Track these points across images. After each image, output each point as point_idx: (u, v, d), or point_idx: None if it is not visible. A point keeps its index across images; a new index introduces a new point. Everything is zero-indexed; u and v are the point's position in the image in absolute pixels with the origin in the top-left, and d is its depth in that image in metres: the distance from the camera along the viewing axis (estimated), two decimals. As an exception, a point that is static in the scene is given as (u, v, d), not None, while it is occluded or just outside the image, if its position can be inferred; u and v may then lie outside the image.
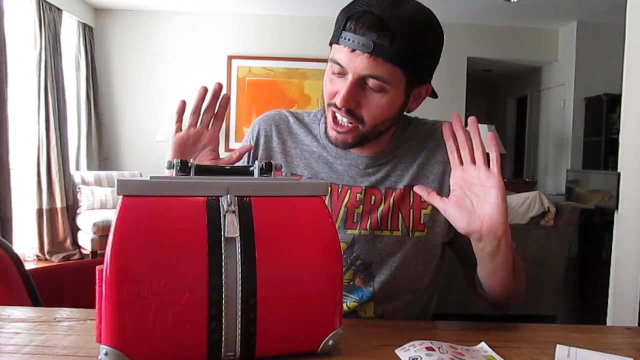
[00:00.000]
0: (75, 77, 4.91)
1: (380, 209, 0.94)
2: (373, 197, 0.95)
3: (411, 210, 0.95)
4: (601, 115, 4.97)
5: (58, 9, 4.50)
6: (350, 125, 0.87)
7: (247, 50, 5.35)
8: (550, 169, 6.01)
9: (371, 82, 0.83)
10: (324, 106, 0.94)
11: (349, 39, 0.81)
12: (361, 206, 0.95)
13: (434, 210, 0.93)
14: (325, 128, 0.95)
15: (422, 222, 0.95)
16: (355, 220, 0.94)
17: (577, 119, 5.32)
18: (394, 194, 0.95)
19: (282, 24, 5.34)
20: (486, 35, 5.50)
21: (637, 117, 1.76)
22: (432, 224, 0.95)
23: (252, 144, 1.03)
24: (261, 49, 5.35)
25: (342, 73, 0.85)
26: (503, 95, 7.61)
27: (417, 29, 0.81)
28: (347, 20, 0.82)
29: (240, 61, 5.34)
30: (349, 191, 0.95)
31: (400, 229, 0.94)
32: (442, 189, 0.95)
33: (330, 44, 0.87)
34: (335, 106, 0.86)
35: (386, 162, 0.97)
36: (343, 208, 0.95)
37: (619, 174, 1.83)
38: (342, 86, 0.84)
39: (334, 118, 0.89)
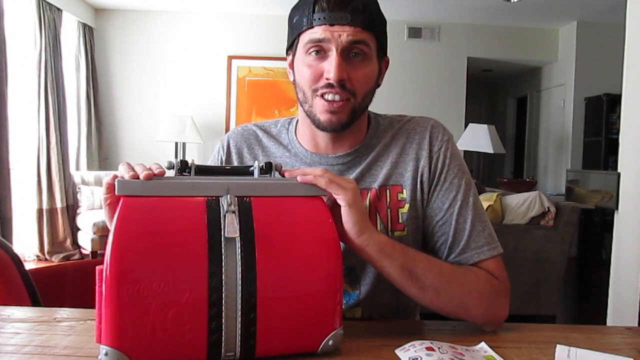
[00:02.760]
0: (75, 77, 4.91)
1: None
2: None
3: (389, 210, 0.93)
4: (601, 115, 4.96)
5: (58, 9, 4.49)
6: (342, 101, 0.87)
7: (247, 50, 5.35)
8: (550, 169, 6.01)
9: (355, 49, 0.86)
10: (297, 92, 0.92)
11: (324, 17, 0.85)
12: None
13: (411, 208, 0.93)
14: (314, 120, 0.91)
15: (400, 221, 0.93)
16: None
17: (577, 119, 5.32)
18: (369, 194, 0.93)
19: (282, 24, 5.28)
20: (486, 35, 5.50)
21: (637, 117, 1.76)
22: (410, 222, 0.93)
23: (223, 158, 1.01)
24: (261, 49, 5.35)
25: (323, 51, 0.86)
26: (503, 95, 7.60)
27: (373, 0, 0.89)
28: (314, 3, 0.85)
29: (240, 61, 5.34)
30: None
31: (379, 229, 0.92)
32: (416, 186, 0.93)
33: (295, 38, 0.90)
34: (327, 86, 0.86)
35: (360, 160, 0.95)
36: None
37: (619, 174, 1.83)
38: (327, 64, 0.86)
39: (324, 99, 0.87)
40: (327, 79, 0.85)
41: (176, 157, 5.03)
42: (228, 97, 5.35)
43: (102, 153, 5.16)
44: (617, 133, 1.92)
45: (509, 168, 7.31)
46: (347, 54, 0.86)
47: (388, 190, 0.93)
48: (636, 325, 1.63)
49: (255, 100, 5.36)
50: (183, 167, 0.71)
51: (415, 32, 5.37)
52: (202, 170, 0.73)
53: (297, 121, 1.00)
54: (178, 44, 5.32)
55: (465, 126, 5.22)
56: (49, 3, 4.33)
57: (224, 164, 1.01)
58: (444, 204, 0.92)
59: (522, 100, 6.94)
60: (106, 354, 0.59)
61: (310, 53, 0.87)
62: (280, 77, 5.35)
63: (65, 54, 4.63)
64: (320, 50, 0.86)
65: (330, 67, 0.85)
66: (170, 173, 0.72)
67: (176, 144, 5.01)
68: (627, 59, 1.82)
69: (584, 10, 4.89)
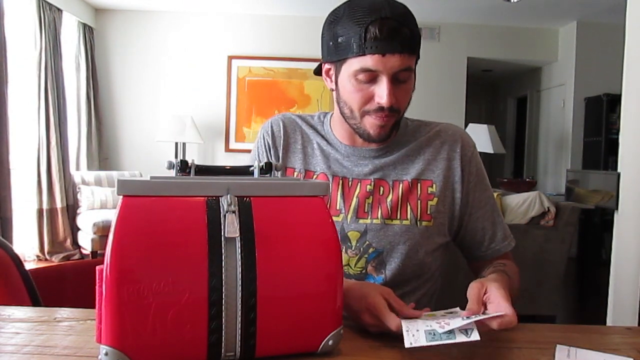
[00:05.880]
0: (75, 77, 4.91)
1: (389, 199, 1.01)
2: (382, 188, 1.02)
3: (419, 202, 1.02)
4: (601, 115, 4.96)
5: (58, 9, 4.49)
6: (388, 117, 0.95)
7: (247, 50, 5.35)
8: (550, 169, 6.01)
9: (402, 75, 0.91)
10: (340, 106, 0.99)
11: (377, 47, 0.88)
12: (371, 197, 1.02)
13: (439, 202, 1.03)
14: (362, 133, 0.99)
15: (428, 212, 1.02)
16: (366, 210, 1.01)
17: (577, 119, 5.32)
18: (401, 185, 1.02)
19: (282, 24, 5.34)
20: (486, 35, 5.50)
21: (637, 117, 1.76)
22: (437, 215, 1.02)
23: (269, 142, 1.08)
24: (261, 49, 5.35)
25: (372, 77, 0.91)
26: (503, 95, 7.60)
27: (412, 18, 0.92)
28: (365, 31, 0.87)
29: (240, 61, 5.34)
30: (359, 184, 1.02)
31: (409, 218, 1.01)
32: (447, 183, 1.03)
33: (341, 59, 0.92)
34: (379, 109, 0.92)
35: (391, 155, 1.03)
36: (355, 199, 1.02)
37: (619, 174, 1.83)
38: (378, 89, 0.91)
39: (375, 118, 0.95)
40: (378, 103, 0.92)
41: (176, 157, 5.03)
42: (228, 97, 5.35)
43: (102, 153, 5.16)
44: (617, 133, 1.92)
45: (509, 168, 7.31)
46: (395, 78, 0.91)
47: (419, 184, 1.02)
48: (636, 325, 1.63)
49: (255, 100, 5.36)
50: (183, 167, 0.71)
51: (415, 32, 5.37)
52: (202, 170, 0.73)
53: (331, 116, 1.09)
54: (178, 44, 5.32)
55: (465, 126, 5.21)
56: (49, 3, 4.33)
57: (270, 148, 1.08)
58: (482, 202, 1.06)
59: (522, 100, 6.94)
60: (106, 354, 0.59)
61: (359, 77, 0.91)
62: (280, 77, 5.35)
63: (65, 54, 4.63)
64: (370, 77, 0.91)
65: (382, 93, 0.91)
66: (171, 173, 0.73)
67: (176, 144, 5.01)
68: (627, 59, 1.81)
69: (584, 10, 4.89)
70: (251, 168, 0.75)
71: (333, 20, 0.93)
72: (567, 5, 4.75)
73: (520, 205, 3.04)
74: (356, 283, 0.82)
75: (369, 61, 0.89)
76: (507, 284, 0.87)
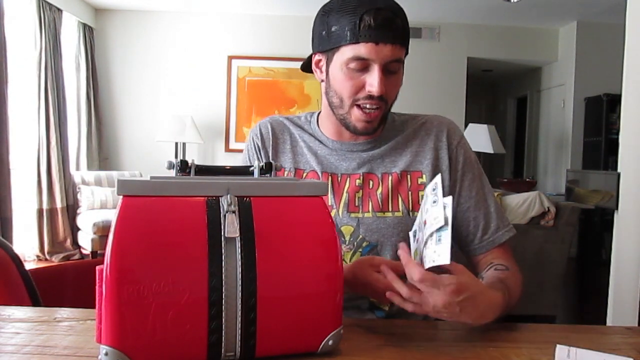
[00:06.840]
0: (75, 77, 4.91)
1: (380, 191, 1.02)
2: (371, 182, 1.03)
3: (409, 192, 1.02)
4: (601, 115, 4.96)
5: (58, 9, 4.49)
6: (376, 109, 0.96)
7: (247, 51, 5.35)
8: (550, 169, 6.01)
9: (392, 66, 0.93)
10: (329, 97, 1.00)
11: (371, 35, 0.89)
12: (361, 190, 1.02)
13: None
14: (347, 125, 1.00)
15: (419, 203, 1.02)
16: (357, 204, 1.02)
17: (577, 119, 5.32)
18: (390, 177, 1.03)
19: (282, 24, 5.34)
20: (486, 35, 5.50)
21: (637, 117, 1.76)
22: None
23: (259, 144, 1.09)
24: (261, 49, 5.35)
25: (364, 66, 0.92)
26: (503, 95, 7.60)
27: (403, 12, 0.94)
28: (360, 20, 0.89)
29: (240, 61, 5.34)
30: (349, 179, 1.03)
31: (400, 209, 1.01)
32: (436, 173, 1.03)
33: (333, 48, 0.93)
34: (368, 97, 0.93)
35: (378, 148, 1.05)
36: (345, 194, 1.02)
37: (619, 174, 1.83)
38: (370, 78, 0.92)
39: (362, 110, 0.96)
40: (369, 91, 0.93)
41: (176, 157, 5.03)
42: (228, 97, 5.35)
43: (102, 153, 5.16)
44: (617, 133, 1.92)
45: (509, 168, 7.31)
46: (386, 69, 0.93)
47: (409, 176, 1.03)
48: (636, 325, 1.63)
49: (255, 100, 5.36)
50: (183, 167, 0.71)
51: (415, 32, 5.37)
52: (202, 170, 0.73)
53: (318, 114, 1.10)
54: (178, 44, 5.32)
55: (465, 126, 5.21)
56: (49, 3, 4.33)
57: (259, 150, 1.10)
58: (472, 192, 1.04)
59: (522, 100, 6.94)
60: (106, 354, 0.59)
61: (350, 65, 0.92)
62: (280, 77, 5.34)
63: (65, 54, 4.63)
64: (362, 65, 0.92)
65: (373, 82, 0.92)
66: (171, 173, 0.73)
67: (176, 144, 5.01)
68: (627, 59, 1.81)
69: (584, 10, 4.89)
70: (251, 168, 0.75)
71: (326, 12, 0.95)
72: (567, 5, 4.75)
73: (520, 205, 3.04)
74: (346, 269, 0.81)
75: (362, 49, 0.90)
76: (502, 296, 0.83)
